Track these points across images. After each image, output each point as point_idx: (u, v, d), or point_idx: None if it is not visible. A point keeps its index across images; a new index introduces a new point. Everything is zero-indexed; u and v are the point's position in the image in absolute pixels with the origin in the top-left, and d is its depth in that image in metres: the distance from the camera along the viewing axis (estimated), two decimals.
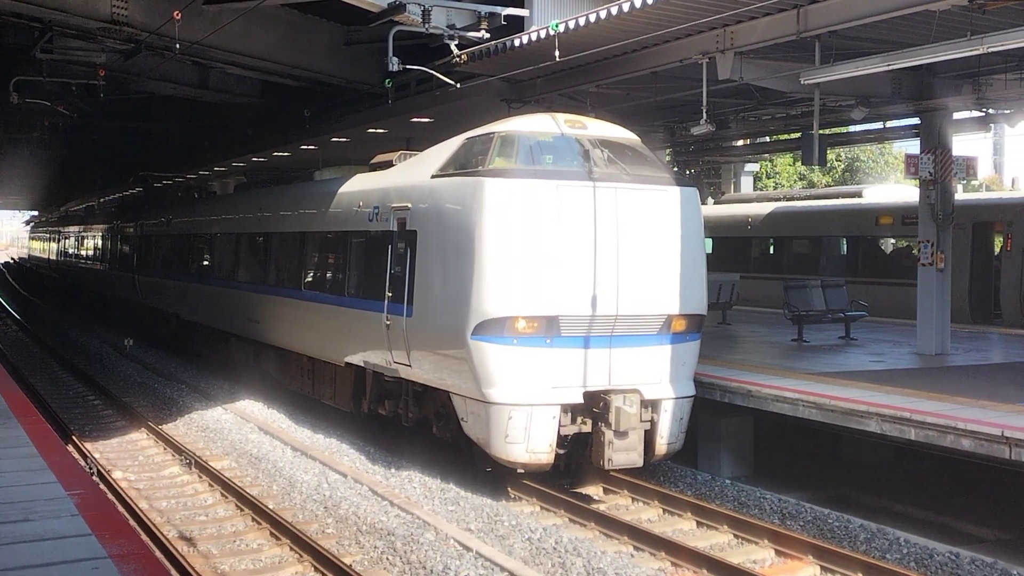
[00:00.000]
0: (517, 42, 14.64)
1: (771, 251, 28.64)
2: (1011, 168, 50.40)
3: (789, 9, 12.23)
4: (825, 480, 13.35)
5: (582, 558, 9.75)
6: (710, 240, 27.67)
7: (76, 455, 13.32)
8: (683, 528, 11.45)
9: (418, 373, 12.77)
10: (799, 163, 41.34)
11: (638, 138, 13.32)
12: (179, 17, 14.72)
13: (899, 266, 23.98)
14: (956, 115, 17.70)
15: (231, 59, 18.72)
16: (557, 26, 13.55)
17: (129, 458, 14.73)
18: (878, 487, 12.89)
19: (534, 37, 14.28)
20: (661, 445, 12.13)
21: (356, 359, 14.38)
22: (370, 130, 23.60)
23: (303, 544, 10.20)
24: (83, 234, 40.65)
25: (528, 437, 11.41)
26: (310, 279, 16.80)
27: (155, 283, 26.75)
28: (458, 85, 16.60)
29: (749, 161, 33.49)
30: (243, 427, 16.27)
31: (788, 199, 30.05)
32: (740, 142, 28.49)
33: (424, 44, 16.00)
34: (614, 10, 12.67)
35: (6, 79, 20.01)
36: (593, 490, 12.81)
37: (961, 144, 21.41)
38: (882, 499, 12.68)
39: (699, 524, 11.49)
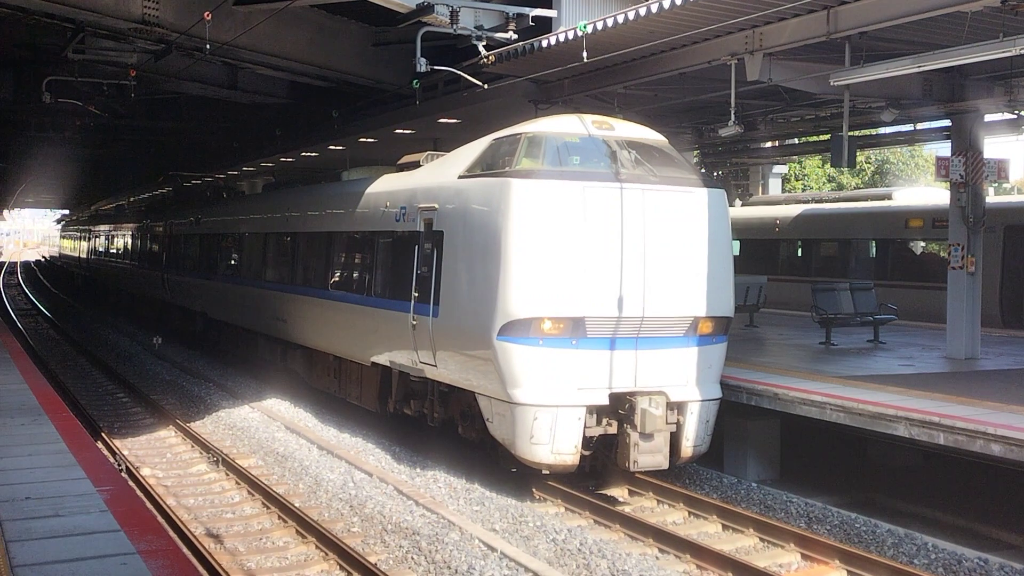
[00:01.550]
0: (545, 43, 14.64)
1: (799, 253, 28.45)
2: None
3: (819, 10, 12.16)
4: (852, 484, 13.26)
5: (607, 560, 9.74)
6: (737, 242, 27.52)
7: (105, 452, 13.43)
8: (708, 531, 11.41)
9: (444, 373, 12.79)
10: (828, 165, 41.04)
11: (665, 139, 13.28)
12: (209, 18, 14.80)
13: (929, 269, 23.76)
14: (988, 117, 17.51)
15: (260, 60, 18.83)
16: (585, 27, 13.53)
17: (157, 455, 14.85)
18: (906, 492, 12.78)
19: (562, 38, 14.27)
20: (687, 447, 12.10)
21: (382, 359, 14.43)
22: (397, 131, 23.67)
23: (329, 543, 10.24)
24: (113, 233, 41.00)
25: (553, 438, 11.41)
26: (337, 279, 16.87)
27: (184, 282, 26.94)
28: (485, 86, 16.61)
29: (777, 163, 33.28)
30: (270, 426, 16.36)
31: (817, 201, 29.84)
32: (768, 144, 28.31)
33: (452, 45, 16.04)
34: (642, 11, 12.64)
35: (39, 79, 20.24)
36: (618, 492, 12.78)
37: (993, 146, 21.19)
38: (910, 504, 12.58)
39: (725, 527, 11.44)
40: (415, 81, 16.99)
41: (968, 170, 16.22)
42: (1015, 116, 18.23)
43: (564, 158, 12.03)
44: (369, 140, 25.69)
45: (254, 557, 10.25)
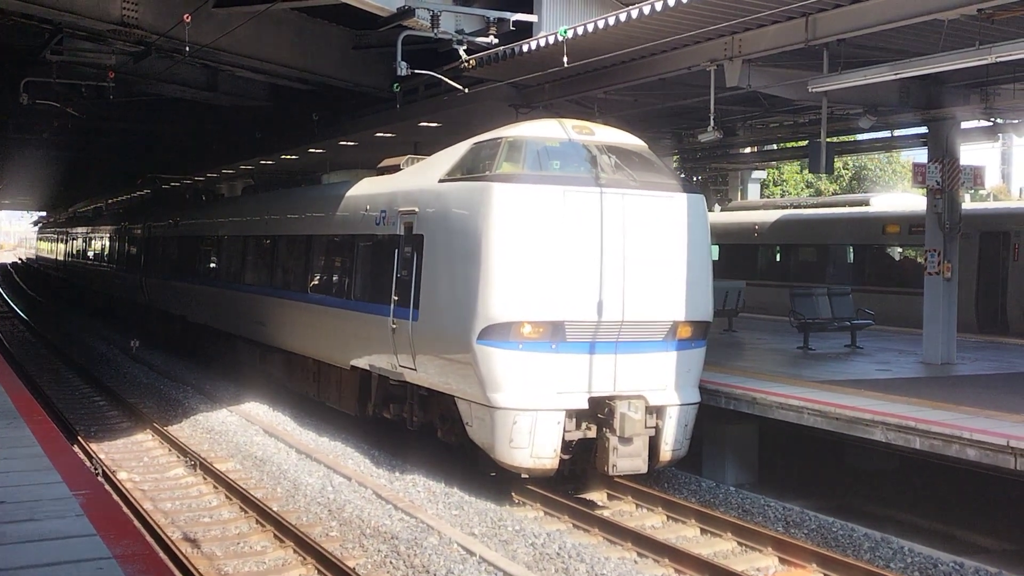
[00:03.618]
0: (525, 48, 14.66)
1: (777, 258, 28.61)
2: (1019, 178, 50.35)
3: (798, 17, 12.23)
4: (829, 488, 13.33)
5: (585, 564, 9.76)
6: (716, 247, 27.63)
7: (82, 455, 13.35)
8: (687, 535, 11.44)
9: (423, 377, 12.78)
10: (806, 171, 41.28)
11: (645, 144, 13.34)
12: (189, 20, 14.75)
13: (906, 275, 23.93)
14: (964, 124, 17.67)
15: (240, 62, 18.77)
16: (566, 32, 13.56)
17: (134, 459, 14.76)
18: (883, 496, 12.86)
19: (542, 43, 14.30)
20: (666, 451, 12.13)
21: (362, 362, 14.40)
22: (378, 134, 23.63)
23: (307, 547, 10.21)
24: (91, 235, 40.76)
25: (533, 442, 11.42)
26: (316, 282, 16.83)
27: (162, 285, 26.81)
28: (466, 90, 16.62)
29: (756, 168, 33.44)
30: (248, 429, 16.29)
31: (795, 207, 30.02)
32: (747, 149, 28.47)
33: (433, 49, 16.04)
34: (623, 16, 12.68)
35: (16, 80, 20.08)
36: (597, 496, 12.80)
37: (969, 153, 21.37)
38: (887, 508, 12.66)
39: (703, 531, 11.48)
40: (395, 85, 16.98)
41: (945, 177, 16.36)
42: (991, 123, 18.42)
43: (544, 162, 12.06)
44: (349, 143, 25.65)
45: (231, 561, 10.21)
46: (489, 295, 11.43)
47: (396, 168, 14.92)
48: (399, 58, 14.45)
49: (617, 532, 11.14)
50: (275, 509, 11.54)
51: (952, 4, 10.76)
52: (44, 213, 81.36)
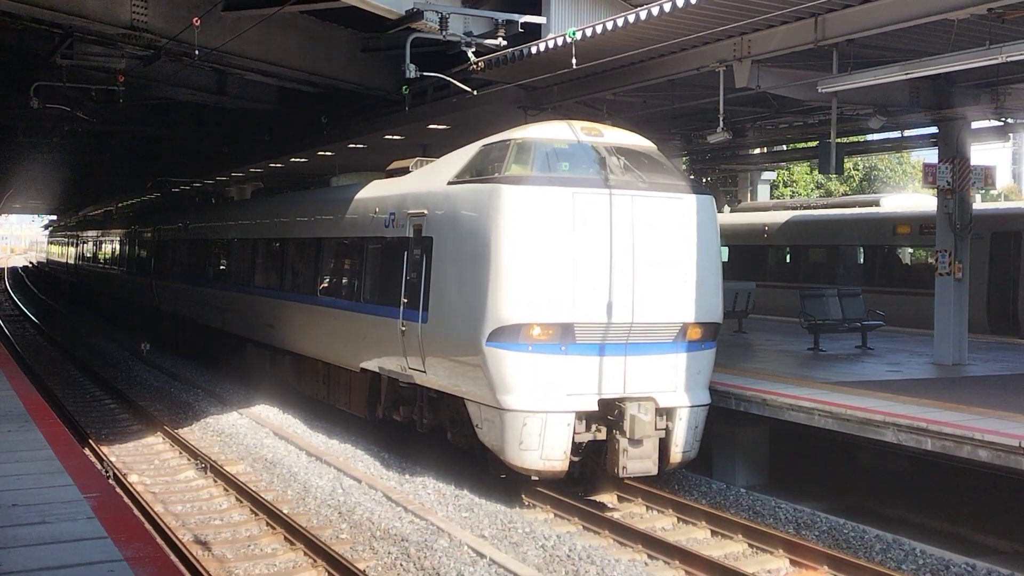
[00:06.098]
0: (534, 49, 14.66)
1: (787, 260, 28.55)
2: None
3: (807, 17, 12.21)
4: (840, 490, 13.29)
5: (596, 566, 9.74)
6: (726, 248, 27.53)
7: (92, 458, 13.37)
8: (697, 537, 11.42)
9: (433, 379, 12.78)
10: (816, 172, 41.18)
11: (654, 146, 13.32)
12: (198, 23, 14.79)
13: (916, 275, 23.85)
14: (974, 124, 17.60)
15: (249, 65, 18.82)
16: (574, 34, 13.56)
17: (145, 462, 14.79)
18: (894, 497, 12.82)
19: (551, 44, 14.30)
20: (676, 453, 12.11)
21: (371, 365, 14.41)
22: (387, 137, 23.67)
23: (317, 549, 10.22)
24: (101, 239, 40.89)
25: (542, 444, 11.41)
26: (326, 285, 16.85)
27: (172, 288, 26.87)
28: (475, 92, 16.63)
29: (766, 169, 33.37)
30: (258, 432, 16.31)
31: (805, 208, 29.95)
32: (757, 150, 28.40)
33: (441, 51, 16.05)
34: (631, 18, 12.68)
35: (26, 84, 20.15)
36: (607, 498, 12.78)
37: (979, 153, 21.30)
38: (898, 510, 12.62)
39: (713, 533, 11.45)
40: (404, 87, 17.01)
41: (955, 177, 16.29)
42: (1002, 123, 18.35)
43: (553, 164, 12.05)
44: (358, 146, 25.69)
45: (242, 564, 10.22)
46: (498, 297, 11.43)
47: (405, 170, 14.93)
48: (408, 60, 14.47)
49: (627, 534, 11.12)
50: (286, 512, 11.55)
51: (962, 4, 10.73)
52: (54, 217, 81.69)
